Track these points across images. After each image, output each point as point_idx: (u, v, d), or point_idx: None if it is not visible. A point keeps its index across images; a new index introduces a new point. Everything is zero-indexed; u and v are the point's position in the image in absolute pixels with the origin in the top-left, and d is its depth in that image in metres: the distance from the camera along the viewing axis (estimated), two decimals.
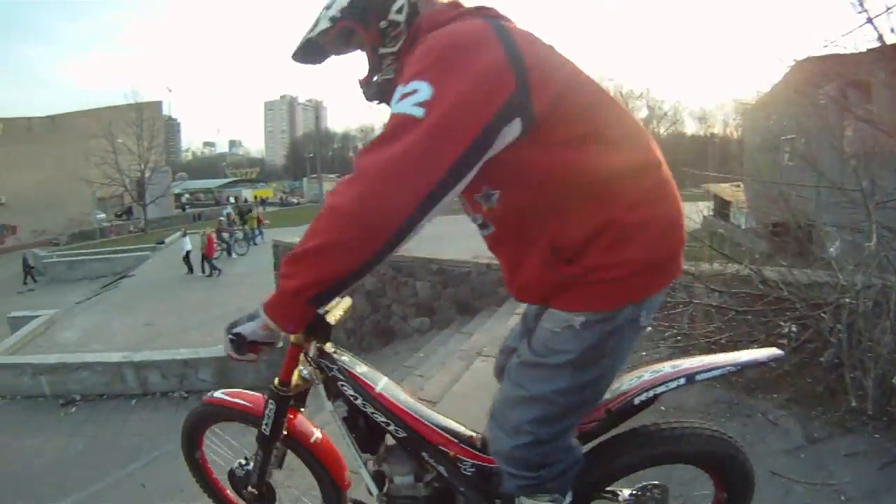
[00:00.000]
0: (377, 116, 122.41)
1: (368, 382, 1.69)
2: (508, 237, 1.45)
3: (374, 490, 1.75)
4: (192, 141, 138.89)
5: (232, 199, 57.52)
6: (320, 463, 1.90)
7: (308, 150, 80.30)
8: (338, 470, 1.90)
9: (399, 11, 1.40)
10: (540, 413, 1.43)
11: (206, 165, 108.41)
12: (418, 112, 1.16)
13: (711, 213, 18.18)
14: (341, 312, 1.79)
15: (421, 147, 1.16)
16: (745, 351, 1.71)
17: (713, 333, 4.23)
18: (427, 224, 1.24)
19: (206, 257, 22.33)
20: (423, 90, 1.17)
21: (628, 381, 1.64)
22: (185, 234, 23.77)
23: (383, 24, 1.41)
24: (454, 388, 4.30)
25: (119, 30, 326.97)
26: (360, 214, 1.18)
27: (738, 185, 16.83)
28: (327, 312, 1.70)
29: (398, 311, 8.86)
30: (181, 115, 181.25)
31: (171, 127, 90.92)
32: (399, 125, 1.19)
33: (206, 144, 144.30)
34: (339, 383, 1.69)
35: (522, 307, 1.80)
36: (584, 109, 1.31)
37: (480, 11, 1.37)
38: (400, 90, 1.22)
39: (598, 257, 1.30)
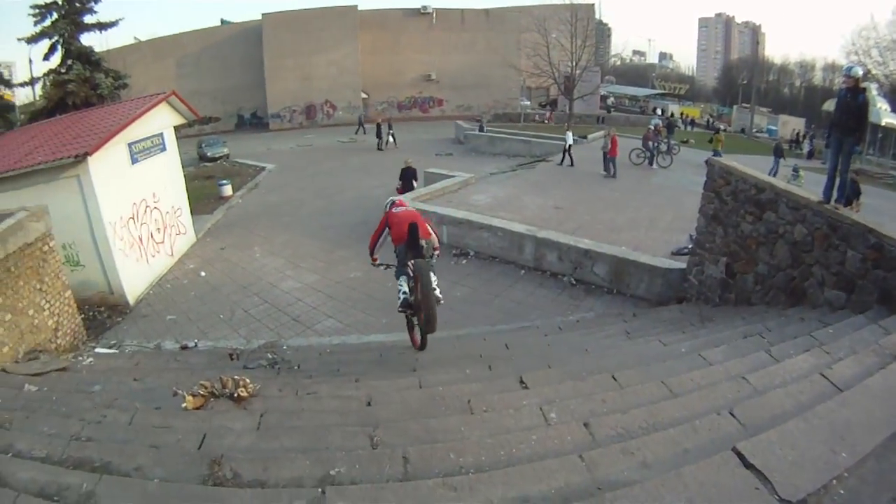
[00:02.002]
0: (819, 52, 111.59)
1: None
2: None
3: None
4: (621, 48, 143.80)
5: (658, 111, 58.31)
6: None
7: (741, 76, 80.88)
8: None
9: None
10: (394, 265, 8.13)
11: (634, 73, 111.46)
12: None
13: None
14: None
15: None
16: None
17: None
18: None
19: (609, 158, 24.53)
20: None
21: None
22: (568, 129, 28.55)
23: None
24: (866, 381, 4.33)
25: None
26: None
27: None
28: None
29: (817, 274, 8.31)
30: (613, 22, 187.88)
31: (602, 32, 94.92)
32: None
33: (636, 53, 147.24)
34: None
35: None
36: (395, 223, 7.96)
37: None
38: None
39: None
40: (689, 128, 52.97)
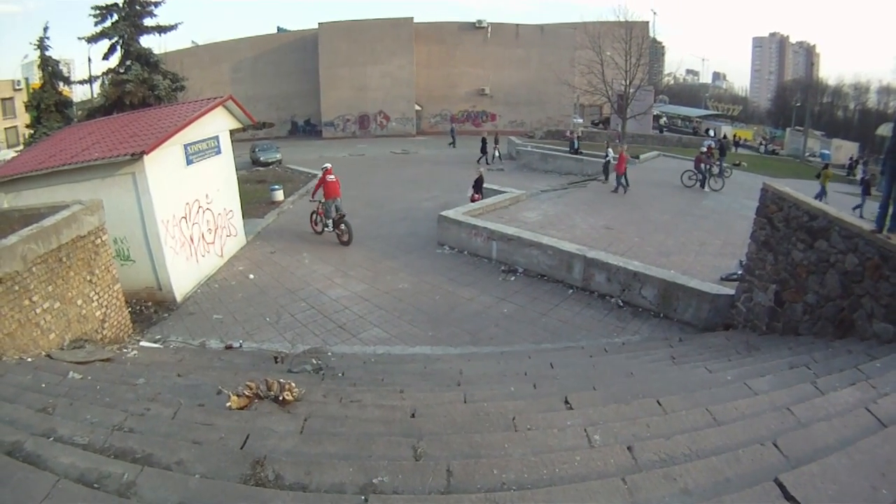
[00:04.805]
0: (873, 74, 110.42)
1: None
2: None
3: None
4: (675, 67, 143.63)
5: (711, 133, 57.48)
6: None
7: (795, 98, 79.18)
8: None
9: None
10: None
11: (687, 93, 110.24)
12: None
13: None
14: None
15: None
16: None
17: None
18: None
19: (617, 173, 25.34)
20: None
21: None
22: (608, 146, 28.67)
23: None
24: None
25: None
26: None
27: None
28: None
29: (867, 305, 8.05)
30: (666, 40, 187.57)
31: (656, 50, 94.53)
32: None
33: (690, 72, 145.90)
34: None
35: None
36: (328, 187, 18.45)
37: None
38: None
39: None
40: (737, 149, 52.36)
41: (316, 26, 54.94)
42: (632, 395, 5.83)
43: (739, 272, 11.82)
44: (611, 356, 9.62)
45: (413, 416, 5.39)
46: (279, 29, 62.97)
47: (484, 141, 36.45)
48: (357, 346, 11.17)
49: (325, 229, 18.67)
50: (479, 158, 35.27)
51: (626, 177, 25.10)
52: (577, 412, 5.27)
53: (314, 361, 9.03)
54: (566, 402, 5.64)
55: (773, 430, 4.33)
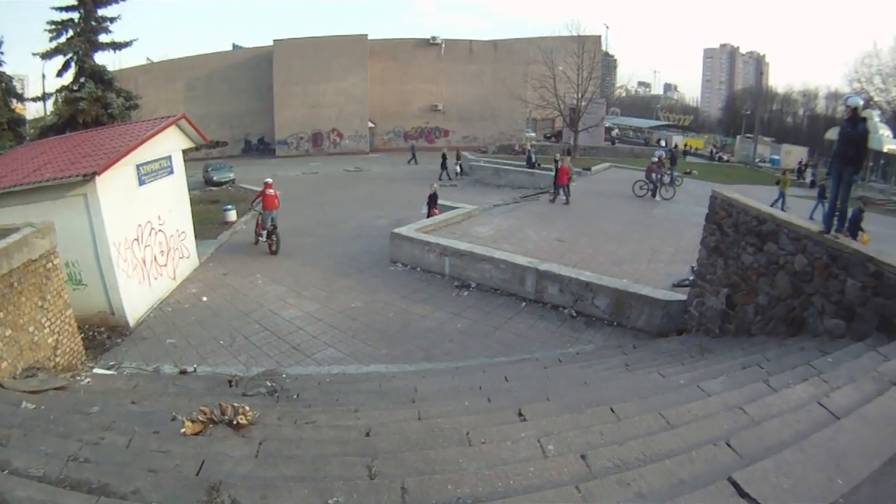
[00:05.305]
0: (822, 80, 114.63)
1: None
2: None
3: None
4: (627, 79, 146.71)
5: (663, 143, 58.69)
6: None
7: (745, 106, 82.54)
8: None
9: None
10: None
11: (639, 105, 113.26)
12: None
13: None
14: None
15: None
16: None
17: None
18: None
19: (558, 185, 26.07)
20: None
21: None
22: (558, 160, 28.09)
23: None
24: (863, 408, 4.40)
25: None
26: None
27: None
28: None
29: (817, 303, 8.28)
30: (618, 53, 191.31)
31: (608, 63, 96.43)
32: None
33: (641, 84, 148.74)
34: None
35: None
36: (267, 200, 19.97)
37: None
38: None
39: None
40: (686, 157, 53.60)
41: (271, 43, 54.67)
42: (585, 403, 5.86)
43: (691, 278, 12.03)
44: (565, 366, 9.68)
45: (368, 434, 5.36)
46: (234, 46, 62.48)
47: (444, 157, 36.57)
48: (311, 366, 11.06)
49: (260, 239, 19.99)
50: (441, 174, 35.39)
51: (567, 188, 25.62)
52: (531, 423, 5.27)
53: (268, 384, 8.92)
54: (520, 414, 5.64)
55: (726, 430, 4.39)
